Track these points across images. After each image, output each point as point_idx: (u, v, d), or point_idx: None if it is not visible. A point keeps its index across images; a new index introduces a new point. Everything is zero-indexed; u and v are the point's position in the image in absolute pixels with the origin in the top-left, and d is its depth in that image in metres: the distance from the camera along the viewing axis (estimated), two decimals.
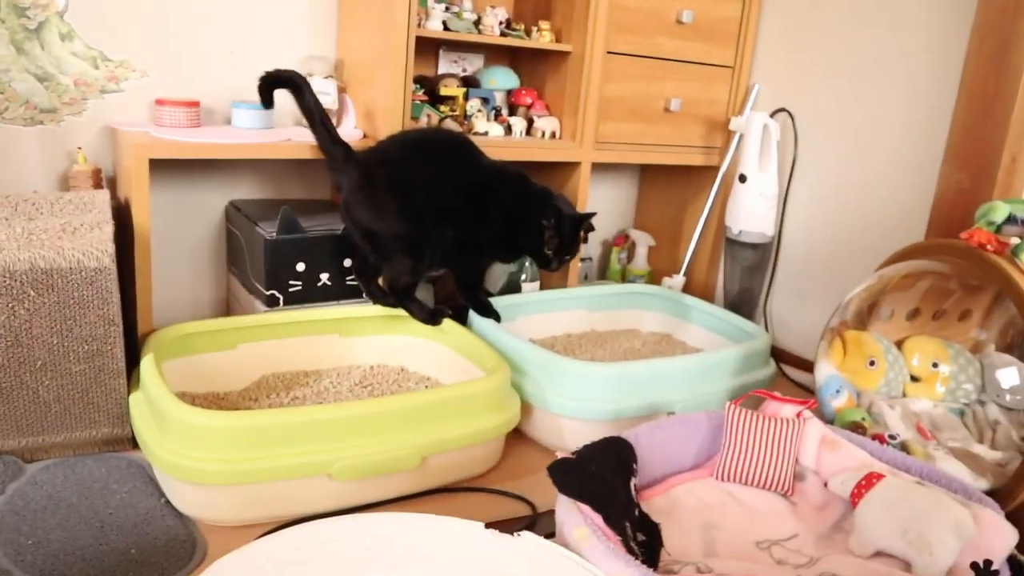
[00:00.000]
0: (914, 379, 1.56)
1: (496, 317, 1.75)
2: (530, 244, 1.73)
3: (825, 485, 1.32)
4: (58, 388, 1.33)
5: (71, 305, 1.30)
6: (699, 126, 2.18)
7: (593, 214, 1.77)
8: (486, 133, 1.94)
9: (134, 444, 1.39)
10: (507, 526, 1.03)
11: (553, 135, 2.01)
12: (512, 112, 2.06)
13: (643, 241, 2.47)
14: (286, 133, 1.73)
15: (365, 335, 1.75)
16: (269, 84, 1.63)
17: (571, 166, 2.03)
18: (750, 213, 2.11)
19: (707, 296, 2.30)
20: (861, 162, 1.99)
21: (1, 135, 1.65)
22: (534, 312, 1.98)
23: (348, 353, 1.74)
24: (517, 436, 1.58)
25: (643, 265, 2.47)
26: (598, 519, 1.02)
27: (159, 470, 1.27)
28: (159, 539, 1.19)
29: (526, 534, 1.01)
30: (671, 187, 2.42)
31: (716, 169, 2.23)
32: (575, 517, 1.02)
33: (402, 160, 1.64)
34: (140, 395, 1.35)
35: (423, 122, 1.88)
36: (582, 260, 2.38)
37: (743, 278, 2.21)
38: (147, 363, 1.35)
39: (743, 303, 2.23)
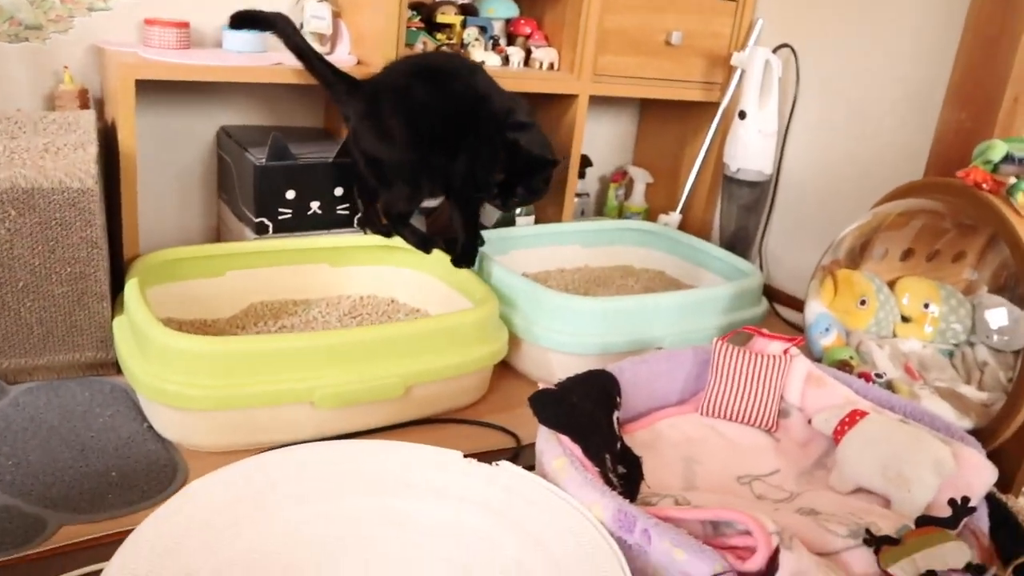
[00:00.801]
0: (904, 319, 1.54)
1: (467, 264, 1.66)
2: (483, 177, 1.61)
3: (809, 422, 1.32)
4: (40, 310, 1.32)
5: (53, 226, 1.29)
6: (700, 60, 2.13)
7: (556, 162, 1.61)
8: (483, 63, 1.90)
9: (118, 369, 1.39)
10: (490, 458, 1.03)
11: (551, 66, 1.96)
12: (511, 42, 2.01)
13: (641, 178, 2.44)
14: (278, 57, 1.69)
15: (356, 265, 1.74)
16: (242, 22, 1.58)
17: (568, 99, 1.99)
18: (748, 150, 2.08)
19: (704, 234, 2.27)
20: (862, 100, 1.95)
21: None
22: (528, 246, 1.96)
23: (338, 283, 1.73)
24: (505, 369, 1.58)
25: (640, 202, 2.45)
26: (577, 450, 1.02)
27: (141, 394, 1.26)
28: (140, 463, 1.19)
29: (504, 463, 1.01)
30: (671, 123, 2.38)
31: (716, 105, 2.19)
32: (554, 448, 1.02)
33: (404, 85, 1.60)
34: (124, 319, 1.34)
35: (418, 48, 1.84)
36: (578, 196, 2.35)
37: (740, 216, 2.19)
38: (131, 287, 1.34)
39: (739, 241, 2.21)
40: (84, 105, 1.65)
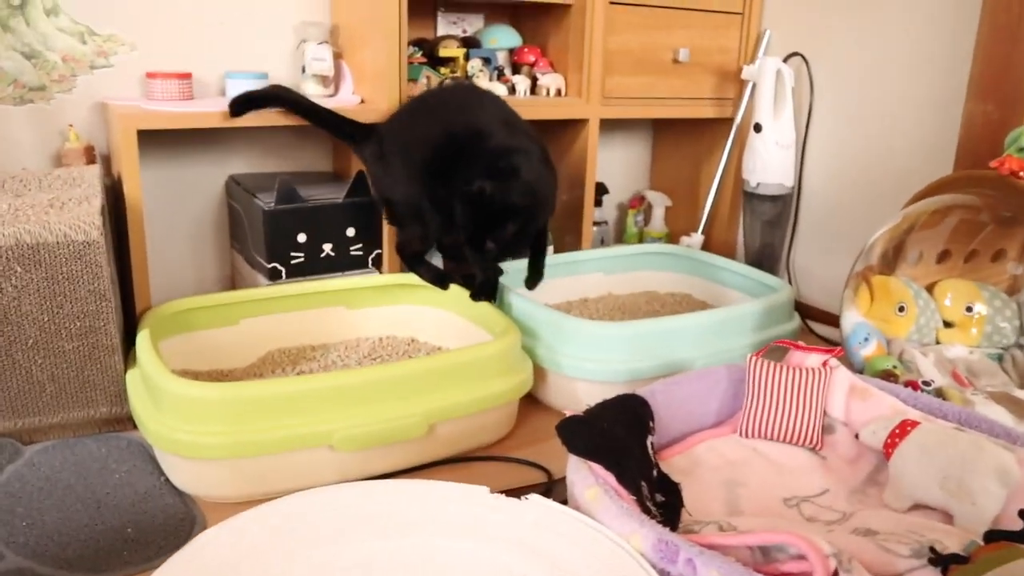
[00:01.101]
0: (947, 324, 1.48)
1: (486, 298, 1.59)
2: (458, 224, 1.46)
3: (856, 437, 1.25)
4: (52, 367, 1.29)
5: (60, 280, 1.26)
6: (710, 76, 2.09)
7: (524, 211, 1.43)
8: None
9: (135, 424, 1.34)
10: (520, 493, 0.97)
11: (558, 92, 1.93)
12: (515, 71, 1.99)
13: (659, 202, 2.39)
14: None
15: (373, 306, 1.70)
16: (245, 106, 1.56)
17: (578, 124, 1.95)
18: (767, 164, 2.03)
19: (728, 254, 2.22)
20: (880, 102, 1.89)
21: None
22: (548, 277, 1.90)
23: (356, 325, 1.68)
24: (531, 403, 1.52)
25: (660, 227, 2.40)
26: (611, 478, 0.96)
27: (156, 447, 1.22)
28: (157, 517, 1.14)
29: (533, 496, 0.95)
30: (685, 143, 2.34)
31: (730, 121, 2.14)
32: (586, 477, 0.96)
33: (408, 122, 1.58)
34: (136, 372, 1.30)
35: (422, 84, 1.82)
36: (597, 224, 2.31)
37: (763, 232, 2.13)
38: (142, 338, 1.30)
39: (765, 258, 2.14)
40: (90, 161, 1.64)
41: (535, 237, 1.59)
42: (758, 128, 2.02)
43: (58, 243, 1.25)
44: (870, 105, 1.92)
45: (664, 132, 2.42)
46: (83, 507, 1.17)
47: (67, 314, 1.27)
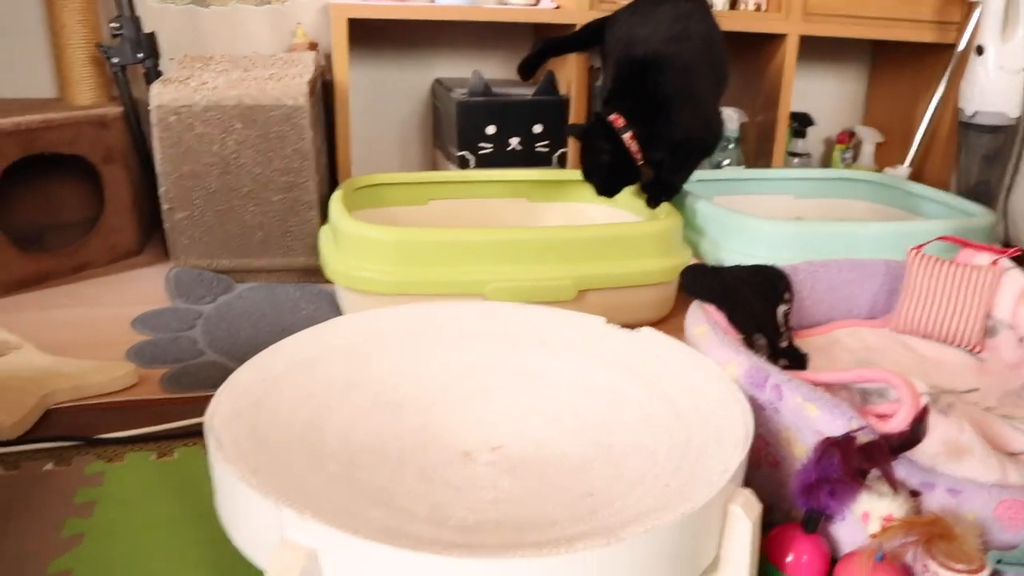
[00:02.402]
0: None
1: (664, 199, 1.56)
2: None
3: (1021, 341, 1.17)
4: (261, 215, 1.49)
5: (271, 139, 1.45)
6: None
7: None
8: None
9: (328, 279, 1.52)
10: None
11: (758, 7, 1.91)
12: None
13: (870, 138, 2.29)
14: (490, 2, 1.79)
15: (553, 201, 1.78)
16: (531, 67, 1.65)
17: (776, 41, 1.91)
18: (987, 90, 1.88)
19: None
20: None
21: (237, 15, 1.85)
22: (733, 192, 1.90)
23: (535, 217, 1.78)
24: None
25: (869, 163, 2.29)
26: (721, 318, 0.98)
27: (336, 283, 1.38)
28: None
29: (646, 329, 1.00)
30: (904, 75, 2.21)
31: (952, 47, 2.01)
32: (699, 317, 0.99)
33: (617, 19, 1.59)
34: (327, 226, 1.48)
35: None
36: (798, 156, 2.25)
37: (980, 169, 1.99)
38: (335, 197, 1.47)
39: (979, 198, 2.00)
40: None
41: (673, 151, 1.51)
42: (980, 51, 1.88)
43: (271, 106, 1.44)
44: None
45: (882, 63, 2.30)
46: (271, 329, 1.36)
47: (275, 168, 1.46)
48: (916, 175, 2.12)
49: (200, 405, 1.10)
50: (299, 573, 0.62)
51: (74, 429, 1.07)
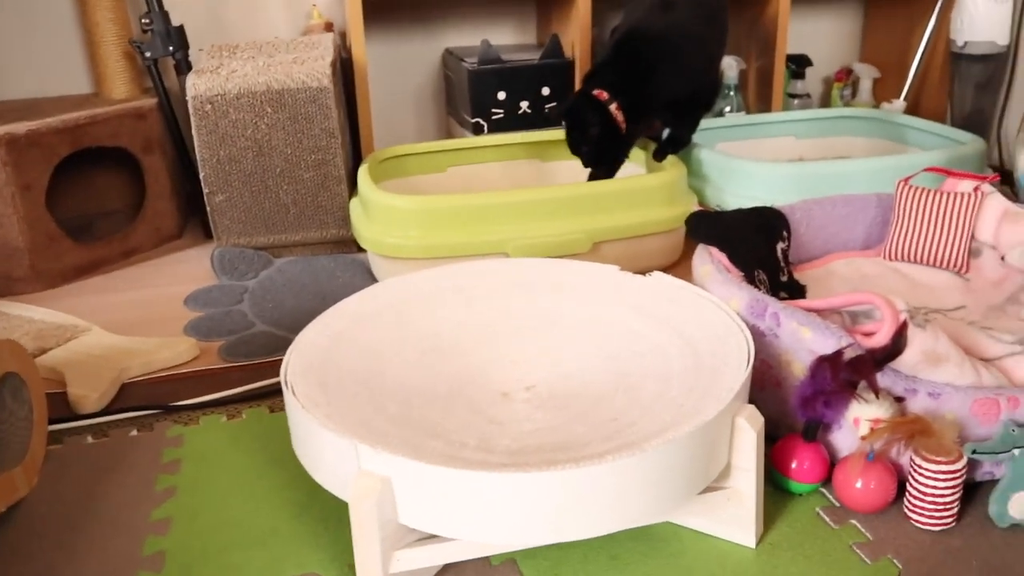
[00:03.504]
0: None
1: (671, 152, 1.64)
2: None
3: (1003, 259, 1.27)
4: (294, 192, 1.60)
5: (300, 120, 1.55)
6: None
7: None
8: None
9: (359, 248, 1.64)
10: None
11: None
12: None
13: (867, 74, 2.36)
14: None
15: (563, 159, 1.87)
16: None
17: None
18: (977, 20, 1.95)
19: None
20: None
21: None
22: (735, 138, 1.99)
23: (548, 176, 1.88)
24: None
25: (868, 99, 2.36)
26: (723, 257, 1.09)
27: (368, 250, 1.50)
28: None
29: (656, 273, 1.11)
30: (896, 11, 2.28)
31: None
32: (704, 259, 1.10)
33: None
34: (357, 199, 1.59)
35: None
36: (798, 97, 2.32)
37: (973, 98, 2.06)
38: (362, 170, 1.57)
39: (973, 127, 2.08)
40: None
41: (675, 106, 1.60)
42: None
43: (298, 89, 1.54)
44: None
45: (877, 2, 2.36)
46: (312, 298, 1.48)
47: (305, 148, 1.57)
48: (913, 108, 2.20)
49: (257, 371, 1.25)
50: (377, 497, 0.74)
51: (151, 399, 1.20)
